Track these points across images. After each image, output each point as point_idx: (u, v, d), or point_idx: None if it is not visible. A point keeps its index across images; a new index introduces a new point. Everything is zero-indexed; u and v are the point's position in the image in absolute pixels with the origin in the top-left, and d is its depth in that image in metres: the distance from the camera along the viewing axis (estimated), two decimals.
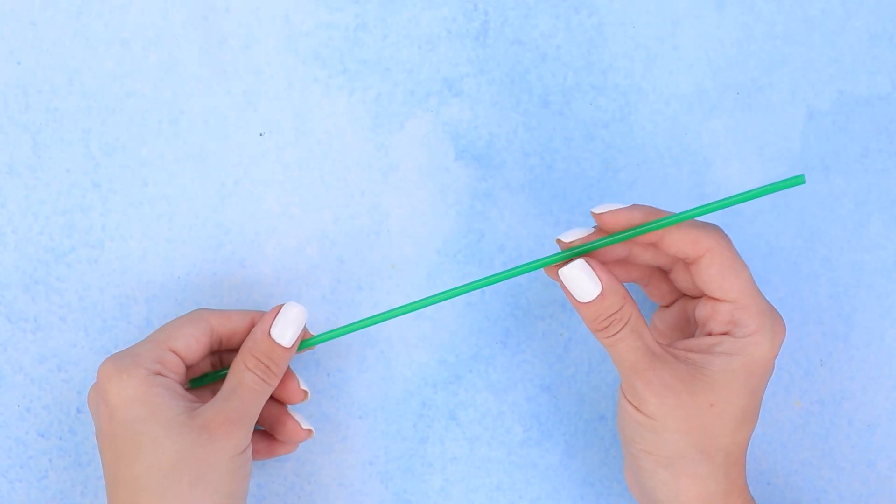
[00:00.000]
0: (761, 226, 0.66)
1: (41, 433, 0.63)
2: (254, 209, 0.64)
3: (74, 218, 0.64)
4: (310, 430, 0.61)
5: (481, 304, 0.65)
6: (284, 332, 0.58)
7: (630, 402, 0.56)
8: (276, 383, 0.58)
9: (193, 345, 0.58)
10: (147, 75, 0.64)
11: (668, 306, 0.61)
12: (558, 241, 0.58)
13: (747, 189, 0.66)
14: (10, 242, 0.63)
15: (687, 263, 0.58)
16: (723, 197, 0.66)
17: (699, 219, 0.58)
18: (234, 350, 0.60)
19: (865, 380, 0.66)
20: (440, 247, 0.65)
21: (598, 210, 0.57)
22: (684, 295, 0.60)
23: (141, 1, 0.64)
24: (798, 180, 0.55)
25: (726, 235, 0.57)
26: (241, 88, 0.64)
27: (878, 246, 0.66)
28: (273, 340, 0.58)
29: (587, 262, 0.56)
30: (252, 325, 0.59)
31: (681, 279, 0.59)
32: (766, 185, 0.56)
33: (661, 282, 0.61)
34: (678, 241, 0.56)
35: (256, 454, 0.62)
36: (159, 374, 0.57)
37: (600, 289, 0.56)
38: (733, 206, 0.65)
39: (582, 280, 0.56)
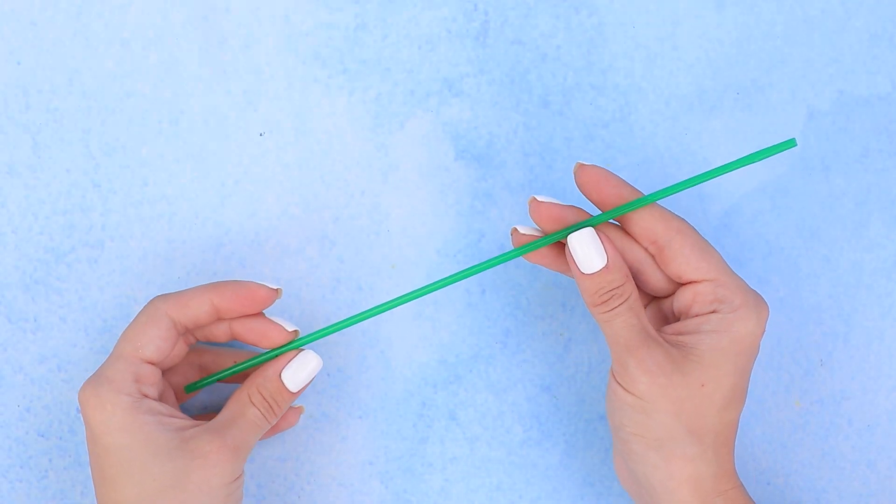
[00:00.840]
0: (761, 226, 0.66)
1: (41, 433, 0.63)
2: (254, 209, 0.64)
3: (74, 218, 0.64)
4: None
5: (481, 304, 0.65)
6: (295, 378, 0.58)
7: (620, 385, 0.56)
8: (275, 421, 0.59)
9: (162, 346, 0.57)
10: (147, 75, 0.64)
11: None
12: (532, 199, 0.58)
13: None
14: (10, 242, 0.63)
15: (656, 252, 0.57)
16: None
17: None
18: (200, 329, 0.60)
19: (865, 380, 0.66)
20: (440, 247, 0.65)
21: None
22: (655, 298, 0.60)
23: (141, 1, 0.64)
24: (789, 144, 0.55)
25: (691, 225, 0.58)
26: (241, 88, 0.64)
27: (878, 246, 0.66)
28: (282, 383, 0.58)
29: (595, 232, 0.56)
30: (212, 310, 0.58)
31: (651, 279, 0.59)
32: (757, 151, 0.56)
33: None
34: (648, 218, 0.57)
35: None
36: (141, 394, 0.56)
37: (605, 261, 0.56)
38: (733, 206, 0.65)
39: (589, 250, 0.56)
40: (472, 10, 0.65)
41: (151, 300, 0.58)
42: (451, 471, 0.65)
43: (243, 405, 0.58)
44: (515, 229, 0.58)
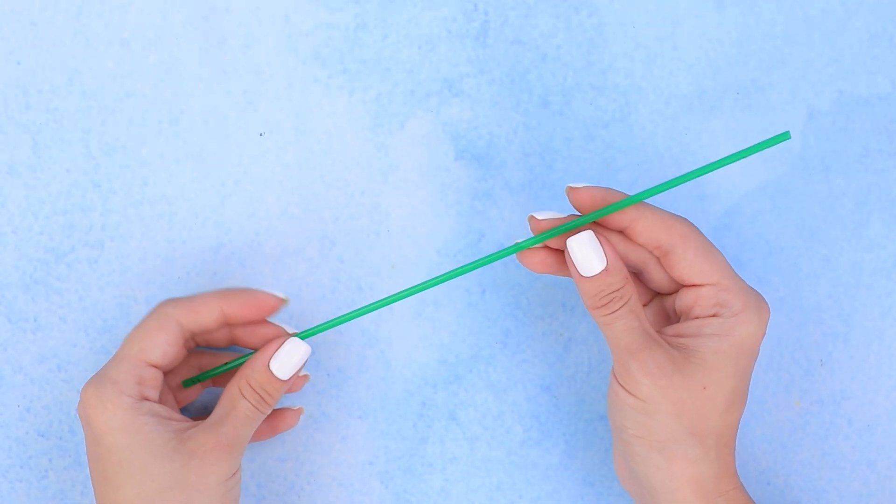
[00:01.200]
0: (761, 226, 0.66)
1: (41, 433, 0.63)
2: (254, 209, 0.64)
3: (74, 218, 0.64)
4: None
5: (481, 304, 0.65)
6: (283, 367, 0.58)
7: (623, 387, 0.56)
8: (269, 411, 0.58)
9: (168, 351, 0.57)
10: (147, 75, 0.64)
11: (645, 305, 0.61)
12: (531, 217, 0.58)
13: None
14: (10, 242, 0.63)
15: (660, 255, 0.57)
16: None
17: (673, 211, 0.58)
18: (206, 336, 0.60)
19: (865, 380, 0.66)
20: (440, 247, 0.65)
21: (574, 185, 0.57)
22: (658, 294, 0.60)
23: (141, 1, 0.64)
24: (783, 137, 0.55)
25: (695, 225, 0.57)
26: (241, 88, 0.64)
27: (878, 246, 0.66)
28: (271, 373, 0.58)
29: (595, 235, 0.56)
30: (221, 317, 0.58)
31: (655, 277, 0.59)
32: (752, 146, 0.56)
33: (635, 283, 0.60)
34: (651, 226, 0.57)
35: (259, 435, 0.62)
36: (142, 396, 0.56)
37: (605, 264, 0.56)
38: (733, 206, 0.65)
39: (588, 253, 0.56)
40: (472, 10, 0.65)
41: (160, 304, 0.58)
42: (451, 471, 0.65)
43: (234, 399, 0.57)
44: (518, 244, 0.58)
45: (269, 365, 0.58)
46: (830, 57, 0.66)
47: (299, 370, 0.58)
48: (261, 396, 0.57)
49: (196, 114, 0.64)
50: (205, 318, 0.58)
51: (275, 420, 0.62)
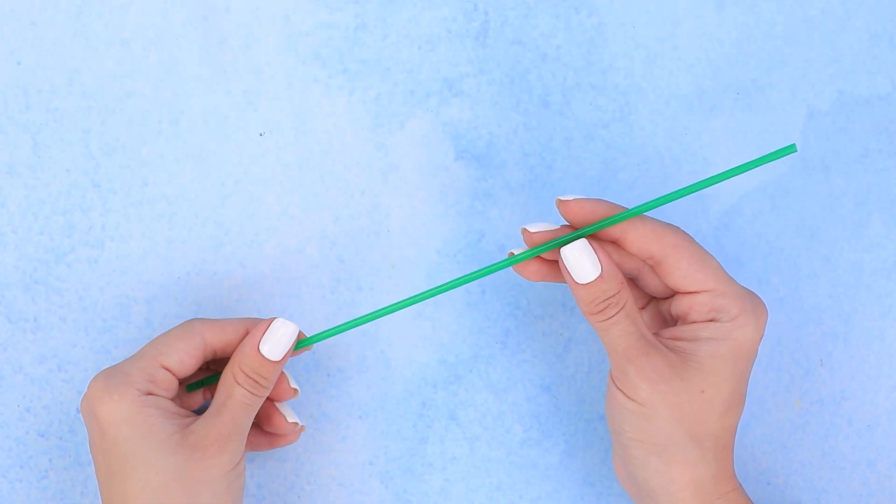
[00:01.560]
0: (761, 226, 0.66)
1: (41, 433, 0.63)
2: (254, 209, 0.64)
3: (74, 218, 0.64)
4: (295, 423, 0.61)
5: (481, 304, 0.65)
6: (273, 348, 0.58)
7: (621, 391, 0.56)
8: (266, 395, 0.58)
9: (186, 360, 0.58)
10: (147, 75, 0.64)
11: (642, 308, 0.61)
12: (524, 230, 0.58)
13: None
14: (10, 242, 0.63)
15: (653, 265, 0.57)
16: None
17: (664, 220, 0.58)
18: (227, 358, 0.60)
19: (865, 380, 0.66)
20: (440, 247, 0.65)
21: (564, 198, 0.57)
22: (654, 297, 0.60)
23: (141, 1, 0.64)
24: (789, 150, 0.55)
25: (687, 233, 0.57)
26: (241, 88, 0.64)
27: (878, 246, 0.66)
28: (262, 356, 0.58)
29: (588, 243, 0.56)
30: (244, 336, 0.59)
31: (650, 283, 0.59)
32: (758, 158, 0.56)
33: (631, 287, 0.60)
34: (642, 237, 0.57)
35: (259, 446, 0.62)
36: (150, 393, 0.57)
37: (600, 271, 0.56)
38: (733, 206, 0.65)
39: (582, 261, 0.56)
40: (472, 10, 0.65)
41: (190, 319, 0.59)
42: (451, 471, 0.65)
43: (229, 387, 0.57)
44: (512, 253, 0.58)
45: (259, 348, 0.58)
46: (830, 57, 0.66)
47: (290, 350, 0.58)
48: (255, 381, 0.57)
49: (196, 114, 0.64)
50: (230, 336, 0.59)
51: (274, 434, 0.62)
